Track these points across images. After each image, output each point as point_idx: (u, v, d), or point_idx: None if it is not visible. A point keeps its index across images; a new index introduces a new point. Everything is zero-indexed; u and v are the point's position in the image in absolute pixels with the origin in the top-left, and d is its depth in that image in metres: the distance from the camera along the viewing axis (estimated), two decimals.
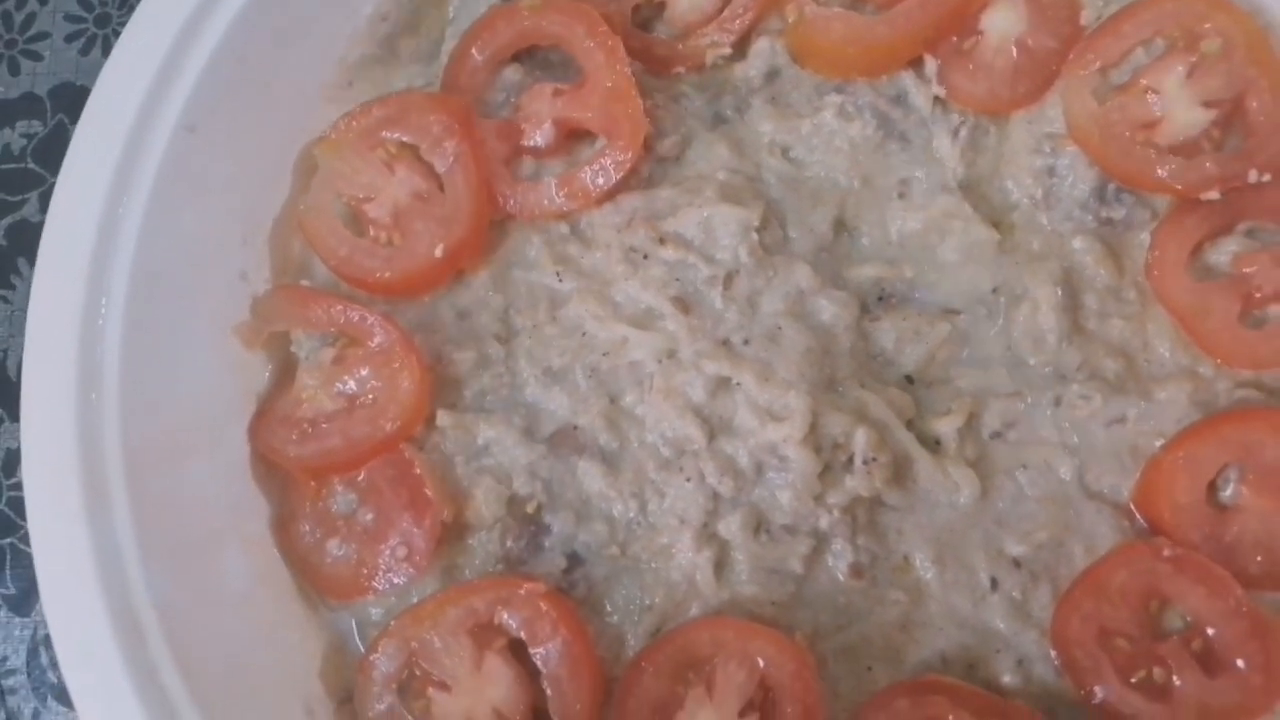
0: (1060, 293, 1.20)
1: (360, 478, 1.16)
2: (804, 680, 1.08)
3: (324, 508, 1.16)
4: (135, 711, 0.94)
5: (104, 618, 0.96)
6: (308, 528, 1.16)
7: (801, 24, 1.24)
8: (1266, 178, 1.17)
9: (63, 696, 1.33)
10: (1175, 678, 1.08)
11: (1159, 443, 1.16)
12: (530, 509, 1.16)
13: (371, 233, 1.20)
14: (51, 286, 1.05)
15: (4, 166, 1.53)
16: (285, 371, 1.21)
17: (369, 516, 1.15)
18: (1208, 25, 1.17)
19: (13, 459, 1.40)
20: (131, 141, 1.07)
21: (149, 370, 1.08)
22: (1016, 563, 1.16)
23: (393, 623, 1.11)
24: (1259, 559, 1.12)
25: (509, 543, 1.16)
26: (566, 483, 1.17)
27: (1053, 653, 1.12)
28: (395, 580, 1.13)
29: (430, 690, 1.09)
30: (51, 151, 1.54)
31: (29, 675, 1.35)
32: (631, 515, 1.16)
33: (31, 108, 1.56)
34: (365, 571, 1.14)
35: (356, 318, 1.16)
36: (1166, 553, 1.11)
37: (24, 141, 1.54)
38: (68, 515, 0.99)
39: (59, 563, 0.98)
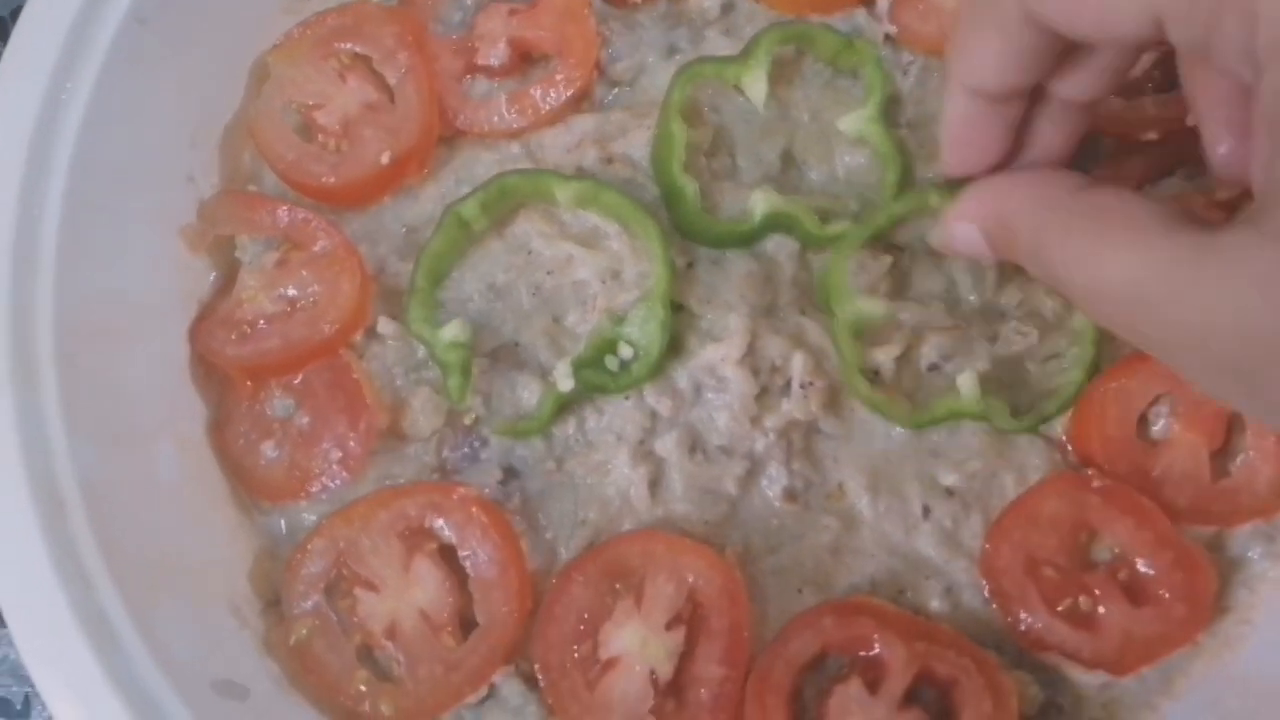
0: None
1: (298, 381, 1.16)
2: (731, 596, 1.08)
3: (260, 410, 1.16)
4: (51, 581, 0.93)
5: (24, 487, 0.95)
6: (243, 429, 1.16)
7: None
8: None
9: None
10: (1100, 607, 1.09)
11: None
12: (468, 421, 1.17)
13: (320, 139, 1.21)
14: None
15: None
16: (229, 278, 1.21)
17: (304, 420, 1.15)
18: None
19: None
20: (78, 26, 1.06)
21: (87, 258, 1.07)
22: (949, 492, 1.16)
23: (323, 523, 1.11)
24: (1186, 493, 1.14)
25: (445, 452, 1.16)
26: (506, 398, 1.17)
27: (981, 581, 1.13)
28: (328, 484, 1.13)
29: (357, 590, 1.09)
30: None
31: None
32: (569, 431, 1.16)
33: None
34: (298, 474, 1.14)
35: (300, 220, 1.16)
36: (1096, 484, 1.12)
37: None
38: None
39: None
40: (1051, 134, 1.01)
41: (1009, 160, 1.02)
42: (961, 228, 1.01)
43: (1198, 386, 0.84)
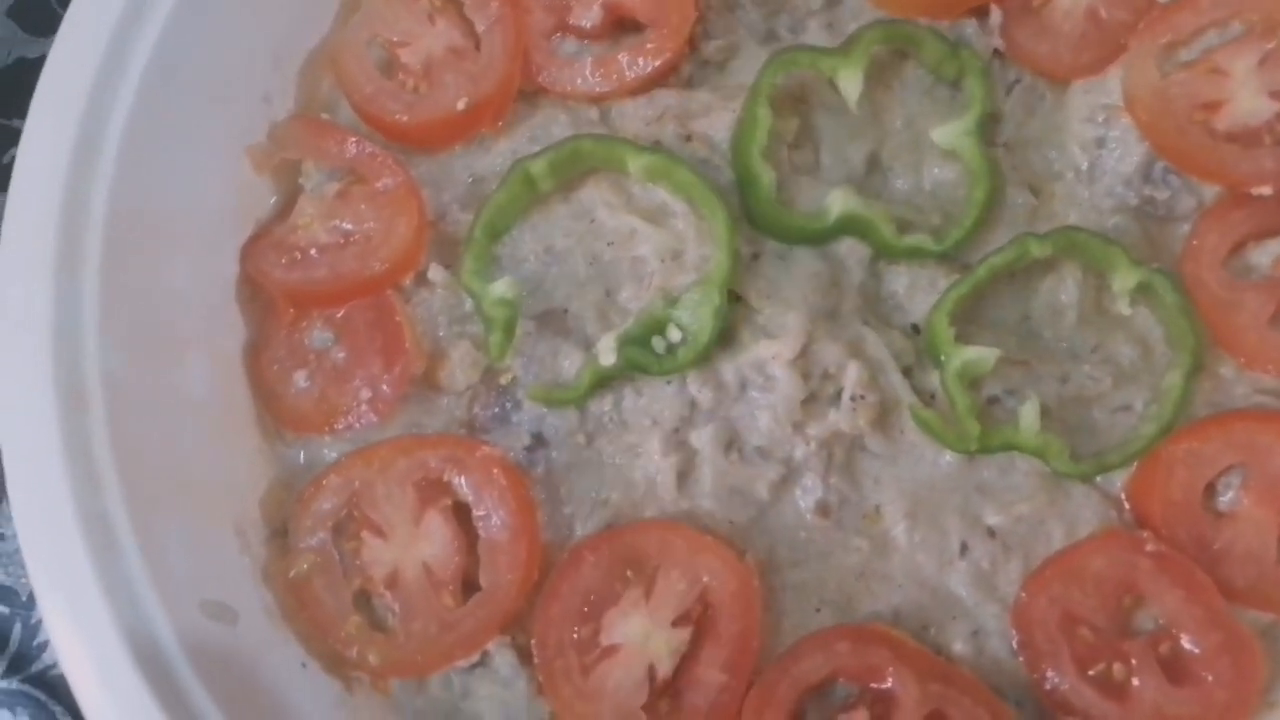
0: (1087, 270, 1.16)
1: (340, 315, 1.14)
2: (745, 602, 1.04)
3: (299, 339, 1.15)
4: (60, 474, 0.93)
5: (49, 377, 0.95)
6: (279, 355, 1.14)
7: None
8: None
9: None
10: (1135, 678, 1.03)
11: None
12: (505, 380, 1.14)
13: (400, 77, 1.19)
14: (68, 51, 1.04)
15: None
16: (289, 203, 1.19)
17: (341, 355, 1.13)
18: None
19: None
20: None
21: (150, 160, 1.07)
22: (991, 532, 1.10)
23: (342, 460, 1.09)
24: (1247, 572, 1.06)
25: (477, 409, 1.13)
26: (546, 364, 1.14)
27: (1012, 630, 1.07)
28: (355, 423, 1.12)
29: (364, 533, 1.06)
30: None
31: None
32: (605, 408, 1.13)
33: None
34: (326, 408, 1.12)
35: (368, 154, 1.14)
36: (1150, 548, 1.06)
37: None
38: (36, 264, 0.98)
39: (15, 311, 0.96)
40: None
41: None
42: None
43: None
